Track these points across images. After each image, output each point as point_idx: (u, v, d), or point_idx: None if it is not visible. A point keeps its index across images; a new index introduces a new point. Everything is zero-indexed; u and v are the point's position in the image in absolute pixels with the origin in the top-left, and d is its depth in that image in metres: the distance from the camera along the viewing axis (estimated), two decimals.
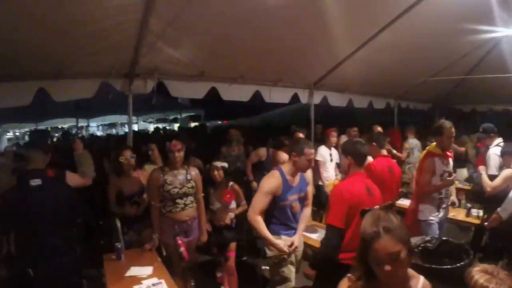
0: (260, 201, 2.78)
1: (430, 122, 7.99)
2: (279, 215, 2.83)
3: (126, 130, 4.91)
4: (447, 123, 3.39)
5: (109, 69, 3.71)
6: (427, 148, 3.71)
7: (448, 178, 3.35)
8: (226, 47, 3.94)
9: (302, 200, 2.97)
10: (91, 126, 14.04)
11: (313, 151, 2.85)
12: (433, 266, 2.27)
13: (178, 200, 3.13)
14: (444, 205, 3.54)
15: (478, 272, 1.17)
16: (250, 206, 2.83)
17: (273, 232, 2.80)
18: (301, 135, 4.66)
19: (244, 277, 3.50)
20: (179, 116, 14.67)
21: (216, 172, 3.57)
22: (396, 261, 1.26)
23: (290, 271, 2.88)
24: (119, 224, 3.21)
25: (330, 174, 5.17)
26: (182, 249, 3.07)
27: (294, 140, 3.28)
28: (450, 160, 3.58)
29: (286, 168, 2.88)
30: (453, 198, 4.12)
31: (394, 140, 6.47)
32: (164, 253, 3.24)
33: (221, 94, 4.67)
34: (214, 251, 3.69)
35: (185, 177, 3.16)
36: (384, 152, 3.69)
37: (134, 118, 11.31)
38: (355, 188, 2.52)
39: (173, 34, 3.38)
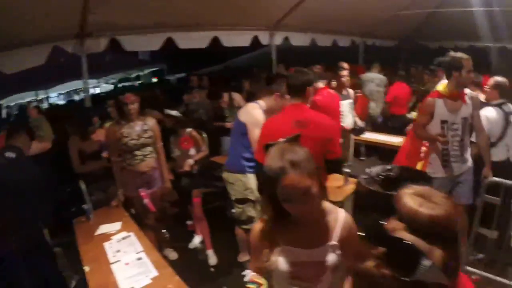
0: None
1: (396, 59, 7.98)
2: (250, 152, 2.72)
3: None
4: (463, 54, 2.66)
5: (58, 31, 3.51)
6: (436, 87, 3.02)
7: (440, 138, 2.71)
8: None
9: None
10: (51, 97, 13.38)
11: None
12: (393, 193, 2.32)
13: (137, 152, 3.06)
14: (453, 160, 2.84)
15: (409, 195, 0.97)
16: (254, 147, 2.60)
17: (241, 169, 2.78)
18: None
19: (214, 222, 3.54)
20: (141, 73, 14.19)
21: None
22: (307, 197, 1.15)
23: (255, 210, 2.93)
24: (83, 186, 3.20)
25: None
26: (146, 200, 3.06)
27: (278, 80, 3.02)
28: (464, 106, 2.75)
29: (265, 104, 2.75)
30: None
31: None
32: (132, 210, 3.22)
33: (178, 43, 4.50)
34: (178, 199, 3.66)
35: (141, 128, 3.07)
36: (320, 84, 3.72)
37: (94, 81, 10.81)
38: (276, 122, 2.32)
39: None
